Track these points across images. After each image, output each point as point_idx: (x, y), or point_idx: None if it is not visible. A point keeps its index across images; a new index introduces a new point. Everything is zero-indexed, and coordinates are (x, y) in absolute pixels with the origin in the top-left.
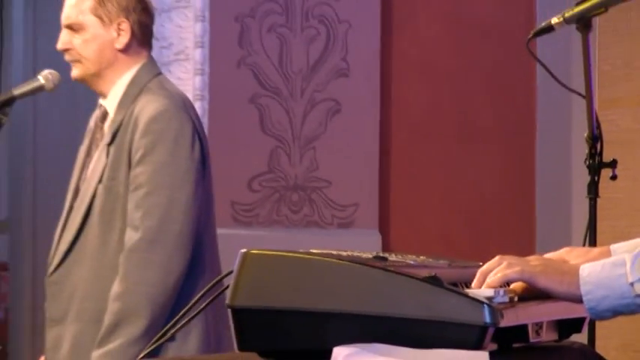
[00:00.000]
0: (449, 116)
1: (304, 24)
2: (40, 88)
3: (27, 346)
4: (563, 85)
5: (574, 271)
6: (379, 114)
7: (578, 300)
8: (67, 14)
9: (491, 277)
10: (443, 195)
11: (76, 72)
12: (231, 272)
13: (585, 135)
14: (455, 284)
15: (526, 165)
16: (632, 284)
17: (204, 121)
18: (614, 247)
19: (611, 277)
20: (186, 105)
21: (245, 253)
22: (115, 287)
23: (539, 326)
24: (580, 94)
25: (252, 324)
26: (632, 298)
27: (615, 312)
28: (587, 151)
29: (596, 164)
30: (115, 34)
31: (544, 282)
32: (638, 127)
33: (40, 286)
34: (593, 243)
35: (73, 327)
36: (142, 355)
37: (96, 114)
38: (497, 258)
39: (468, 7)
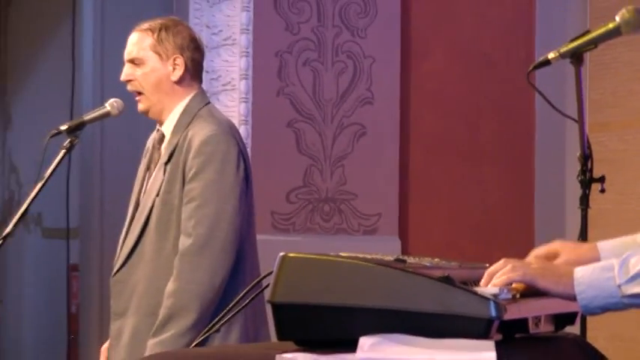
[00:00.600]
0: (459, 138)
1: (334, 59)
2: (107, 114)
3: (94, 336)
4: (559, 111)
5: (569, 274)
6: (399, 136)
7: (572, 299)
8: (129, 50)
9: (497, 278)
10: (453, 206)
11: (141, 106)
12: (270, 273)
13: (578, 154)
14: (465, 283)
15: (526, 180)
16: (619, 286)
17: (248, 142)
18: (600, 244)
19: (601, 280)
20: (232, 130)
21: (283, 256)
22: (170, 285)
23: (538, 319)
24: (573, 119)
25: (290, 317)
26: (619, 298)
27: (604, 309)
28: (579, 168)
29: (587, 180)
30: (171, 68)
31: (542, 283)
32: (623, 148)
33: (106, 285)
34: None
35: (133, 320)
36: (194, 344)
37: (154, 136)
38: (502, 261)
39: (475, 44)
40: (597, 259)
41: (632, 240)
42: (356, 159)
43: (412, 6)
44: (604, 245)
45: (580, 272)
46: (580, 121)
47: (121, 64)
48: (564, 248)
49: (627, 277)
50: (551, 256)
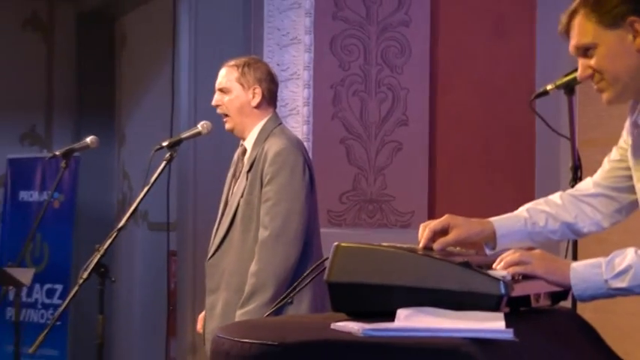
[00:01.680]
0: (475, 152)
1: (377, 90)
2: (198, 134)
3: (189, 307)
4: (554, 131)
5: (565, 267)
6: (428, 151)
7: (568, 288)
8: (219, 81)
9: (506, 268)
10: (470, 209)
11: (227, 126)
12: (327, 259)
13: (570, 166)
14: (480, 267)
15: (528, 186)
16: (606, 280)
17: (309, 156)
18: (494, 219)
19: (591, 275)
20: (299, 144)
21: (337, 245)
22: (252, 267)
23: (538, 296)
24: (566, 137)
25: (342, 293)
26: (606, 289)
27: (593, 298)
28: (571, 176)
29: None
30: (251, 96)
31: (542, 273)
32: None
33: (198, 267)
34: (575, 246)
35: (224, 295)
36: (267, 314)
37: (238, 151)
38: (512, 250)
39: (489, 78)
40: (490, 232)
41: (515, 216)
42: (394, 169)
43: (439, 49)
44: (497, 221)
45: (575, 267)
46: (571, 138)
47: (210, 94)
48: (455, 224)
49: (613, 274)
50: (445, 231)
